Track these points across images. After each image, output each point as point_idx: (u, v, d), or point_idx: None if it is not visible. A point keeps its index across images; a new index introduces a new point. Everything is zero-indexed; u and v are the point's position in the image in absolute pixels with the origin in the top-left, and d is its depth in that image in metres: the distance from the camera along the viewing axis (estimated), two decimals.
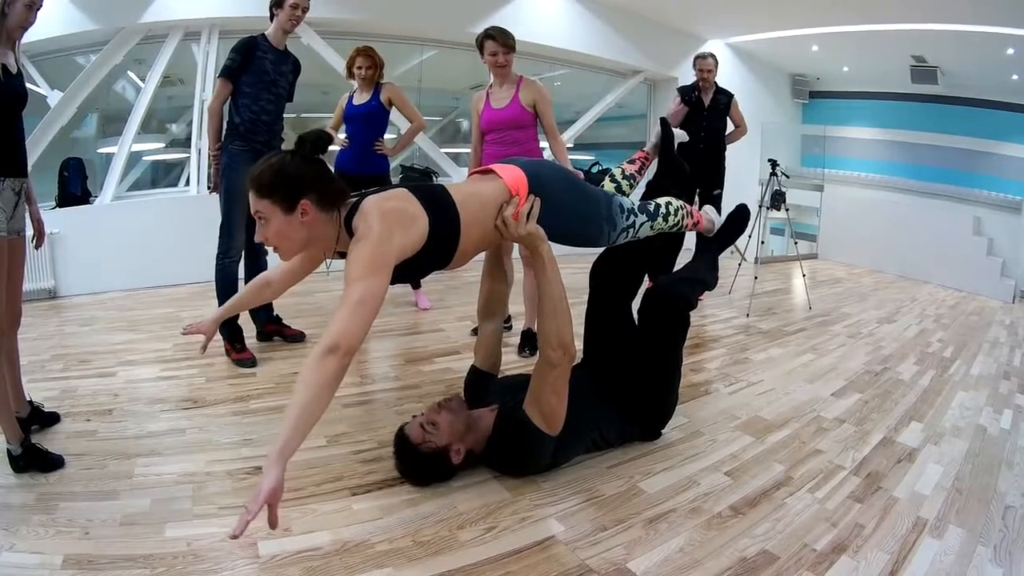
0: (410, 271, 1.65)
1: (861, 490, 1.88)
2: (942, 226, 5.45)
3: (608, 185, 2.33)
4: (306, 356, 2.85)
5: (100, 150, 5.04)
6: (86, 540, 1.56)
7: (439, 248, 1.64)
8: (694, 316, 3.93)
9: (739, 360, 3.21)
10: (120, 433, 2.16)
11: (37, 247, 2.15)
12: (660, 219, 2.09)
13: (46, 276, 4.10)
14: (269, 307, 3.18)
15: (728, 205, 2.61)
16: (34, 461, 1.87)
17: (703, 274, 2.37)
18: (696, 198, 4.31)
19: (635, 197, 2.21)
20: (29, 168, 1.99)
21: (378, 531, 1.63)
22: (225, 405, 2.39)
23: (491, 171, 1.84)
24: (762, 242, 4.44)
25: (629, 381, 2.10)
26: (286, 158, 1.54)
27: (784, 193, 4.37)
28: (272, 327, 3.23)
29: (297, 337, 3.22)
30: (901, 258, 5.67)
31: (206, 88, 4.62)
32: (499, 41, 2.95)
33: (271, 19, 2.90)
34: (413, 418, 1.87)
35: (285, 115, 3.06)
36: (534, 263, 1.81)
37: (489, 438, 1.87)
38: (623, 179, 2.33)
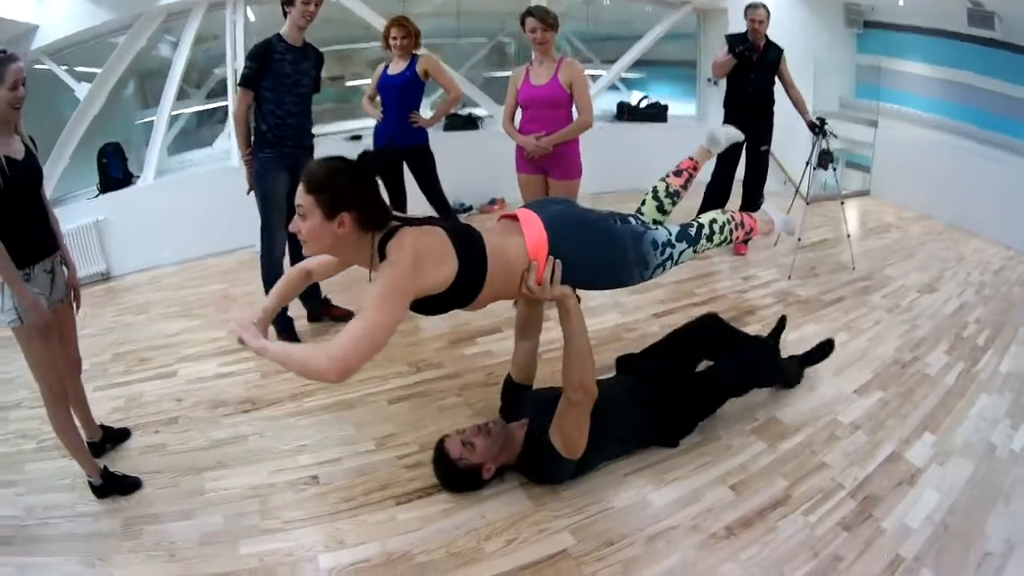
0: (429, 307, 1.75)
1: (852, 516, 1.94)
2: (997, 176, 5.08)
3: (649, 203, 2.37)
4: None
5: (139, 121, 5.11)
6: (173, 563, 1.80)
7: (461, 293, 1.74)
8: (734, 281, 3.97)
9: None
10: (187, 444, 2.40)
11: (76, 309, 2.20)
12: (704, 240, 2.16)
13: (97, 260, 4.32)
14: (316, 288, 3.31)
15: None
16: (114, 486, 2.08)
17: (767, 376, 2.57)
18: (743, 153, 4.21)
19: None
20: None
21: (418, 542, 1.88)
22: (280, 405, 2.62)
23: (516, 219, 1.91)
24: (808, 203, 4.33)
25: (668, 405, 2.27)
26: (343, 167, 1.59)
27: (832, 153, 4.19)
28: (320, 308, 3.39)
29: (345, 317, 3.28)
30: (953, 205, 5.37)
31: (237, 58, 4.60)
32: (538, 18, 3.05)
33: (284, 17, 2.84)
34: (456, 433, 2.09)
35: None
36: (561, 316, 1.93)
37: (519, 452, 2.10)
38: (666, 196, 2.36)
